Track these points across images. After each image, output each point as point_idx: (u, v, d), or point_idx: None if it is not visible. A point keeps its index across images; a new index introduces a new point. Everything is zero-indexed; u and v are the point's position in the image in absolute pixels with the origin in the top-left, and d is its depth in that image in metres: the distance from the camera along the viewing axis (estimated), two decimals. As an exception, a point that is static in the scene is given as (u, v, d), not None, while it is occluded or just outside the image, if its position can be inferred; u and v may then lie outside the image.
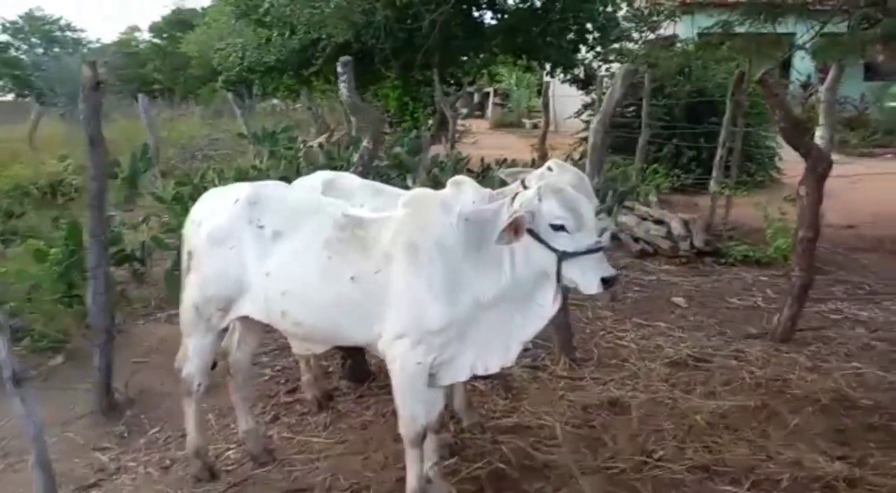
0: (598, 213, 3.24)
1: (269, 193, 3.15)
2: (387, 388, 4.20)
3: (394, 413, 3.09)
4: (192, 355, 3.31)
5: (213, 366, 3.46)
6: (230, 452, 3.70)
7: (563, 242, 2.73)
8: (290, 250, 2.96)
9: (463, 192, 3.06)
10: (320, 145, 13.48)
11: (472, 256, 2.85)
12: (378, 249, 2.87)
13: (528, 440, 3.69)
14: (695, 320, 5.60)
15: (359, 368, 4.49)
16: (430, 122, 14.73)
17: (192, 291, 3.18)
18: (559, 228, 2.72)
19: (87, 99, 3.74)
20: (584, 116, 13.32)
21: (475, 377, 4.28)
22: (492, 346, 2.96)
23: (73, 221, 5.58)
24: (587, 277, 2.73)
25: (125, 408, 4.20)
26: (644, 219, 8.40)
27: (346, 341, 3.19)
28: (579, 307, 5.87)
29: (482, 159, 10.93)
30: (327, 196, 3.49)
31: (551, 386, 4.40)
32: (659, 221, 8.18)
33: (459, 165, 10.25)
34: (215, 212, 3.12)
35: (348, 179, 3.89)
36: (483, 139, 21.30)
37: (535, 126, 30.12)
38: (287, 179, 4.47)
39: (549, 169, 3.25)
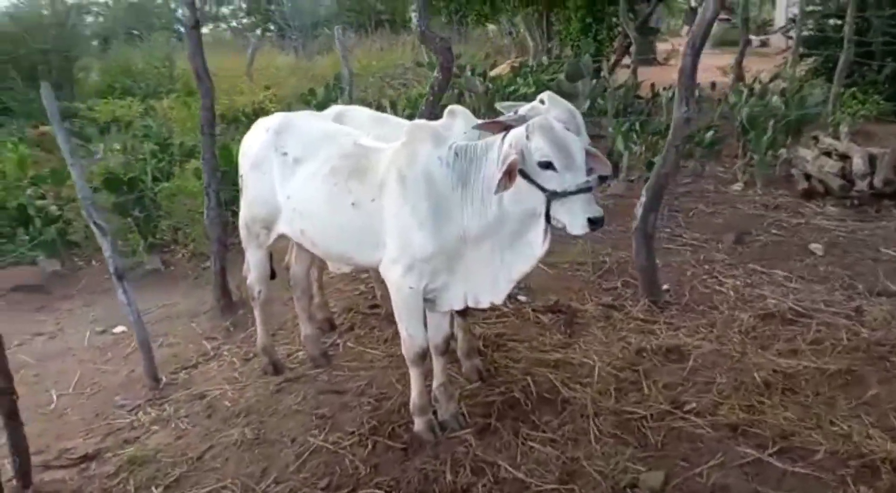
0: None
1: (293, 123, 3.44)
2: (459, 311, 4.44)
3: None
4: (251, 267, 3.80)
5: (272, 276, 3.93)
6: (300, 353, 4.19)
7: (551, 180, 2.67)
8: (305, 175, 3.24)
9: (455, 122, 3.08)
10: (512, 69, 13.50)
11: (459, 189, 2.90)
12: (374, 177, 3.03)
13: (563, 376, 3.69)
14: (824, 271, 4.94)
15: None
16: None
17: (243, 211, 3.63)
18: (547, 166, 2.66)
19: (189, 36, 4.27)
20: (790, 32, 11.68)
21: (540, 311, 4.38)
22: (481, 280, 3.01)
23: (226, 144, 6.40)
24: (574, 217, 2.66)
25: (238, 307, 4.90)
26: (827, 153, 7.36)
27: (358, 264, 3.43)
28: (693, 249, 5.49)
29: (652, 85, 10.24)
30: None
31: (618, 327, 4.27)
32: (844, 156, 7.12)
33: (621, 92, 9.74)
34: (253, 141, 3.50)
35: (357, 112, 4.05)
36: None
37: (763, 44, 26.82)
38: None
39: (542, 102, 3.13)
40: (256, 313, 3.95)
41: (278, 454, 3.20)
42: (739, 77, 12.09)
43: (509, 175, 2.66)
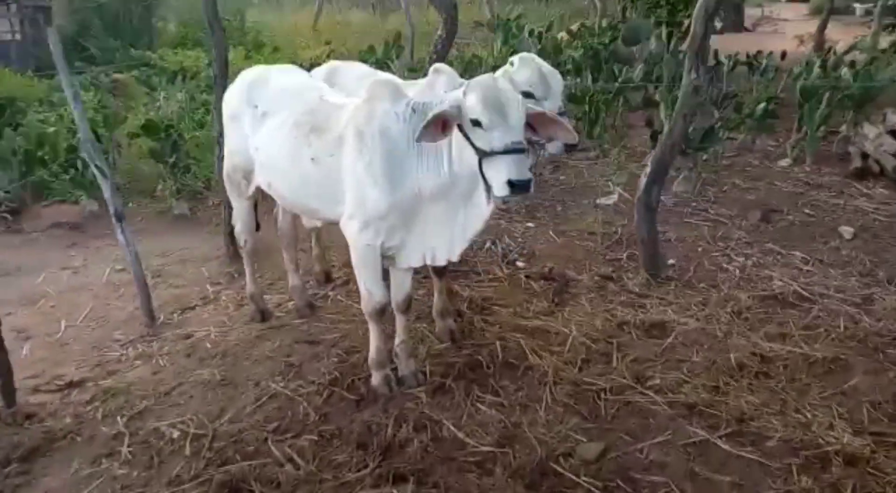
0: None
1: (266, 77, 3.48)
2: (456, 274, 4.47)
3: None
4: (236, 218, 3.92)
5: (257, 228, 4.03)
6: (291, 303, 4.31)
7: (480, 138, 2.63)
8: (270, 128, 3.29)
9: (438, 81, 3.04)
10: (569, 32, 13.12)
11: (414, 146, 2.87)
12: (334, 133, 3.04)
13: (534, 344, 3.66)
14: (846, 255, 4.64)
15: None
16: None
17: (225, 161, 3.73)
18: (476, 123, 2.61)
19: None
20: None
21: (534, 277, 4.32)
22: (438, 238, 3.01)
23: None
24: (497, 178, 2.58)
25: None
26: (892, 132, 6.82)
27: (323, 218, 3.47)
28: (713, 225, 5.26)
29: (715, 53, 9.68)
30: (330, 83, 3.72)
31: (609, 299, 4.18)
32: (915, 136, 6.59)
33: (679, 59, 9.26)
34: (232, 93, 3.57)
35: (349, 68, 4.02)
36: (791, 27, 18.23)
37: (867, 12, 24.82)
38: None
39: (511, 64, 3.05)
40: (245, 262, 4.09)
41: (239, 395, 3.33)
42: (819, 46, 11.29)
43: (442, 128, 2.63)
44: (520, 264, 4.71)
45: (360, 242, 3.06)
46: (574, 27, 13.02)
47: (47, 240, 5.79)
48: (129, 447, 2.98)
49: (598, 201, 5.90)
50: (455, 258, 3.07)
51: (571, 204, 5.92)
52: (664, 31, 9.33)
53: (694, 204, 5.71)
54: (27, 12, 16.76)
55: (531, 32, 11.05)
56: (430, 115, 2.62)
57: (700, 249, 4.83)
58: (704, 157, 6.71)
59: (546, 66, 3.20)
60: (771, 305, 3.98)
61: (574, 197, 6.07)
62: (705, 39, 3.84)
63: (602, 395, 3.20)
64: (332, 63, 4.26)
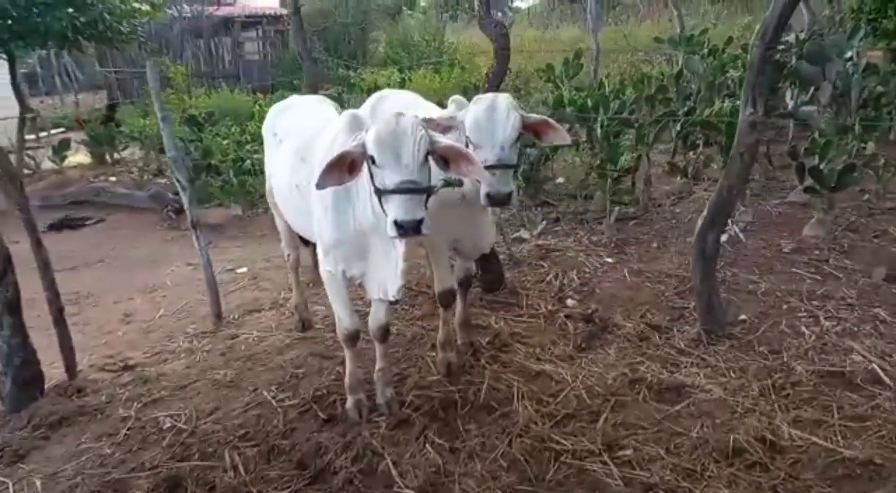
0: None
1: (289, 106, 3.71)
2: (500, 305, 4.39)
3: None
4: (280, 232, 4.23)
5: (305, 243, 4.28)
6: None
7: (377, 176, 2.61)
8: (279, 155, 3.51)
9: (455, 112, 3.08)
10: (744, 48, 11.89)
11: (354, 182, 2.89)
12: (311, 162, 3.16)
13: (527, 389, 3.45)
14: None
15: (489, 277, 4.67)
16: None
17: (266, 182, 4.05)
18: (373, 160, 2.59)
19: (292, 21, 4.75)
20: None
21: (575, 318, 4.11)
22: (384, 271, 2.99)
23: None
24: (389, 217, 2.56)
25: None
26: None
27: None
28: (821, 279, 4.48)
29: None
30: (374, 112, 3.82)
31: (642, 351, 3.78)
32: None
33: (871, 81, 7.95)
34: (265, 121, 3.86)
35: (395, 97, 4.03)
36: None
37: None
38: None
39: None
40: (290, 274, 4.40)
41: (235, 398, 3.61)
42: None
43: (350, 169, 2.63)
44: (570, 301, 4.45)
45: (323, 270, 3.17)
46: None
47: (186, 239, 6.68)
48: (127, 430, 3.39)
49: (704, 240, 5.31)
50: (392, 295, 3.01)
51: (673, 241, 5.41)
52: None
53: (817, 252, 4.90)
54: (269, 35, 19.31)
55: (712, 49, 10.18)
56: (332, 156, 2.64)
57: (786, 306, 4.14)
58: (865, 196, 5.74)
59: (485, 112, 3.01)
60: (829, 384, 3.31)
61: (680, 233, 5.53)
62: (761, 69, 3.30)
63: (560, 457, 2.93)
64: (382, 92, 4.40)
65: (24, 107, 7.99)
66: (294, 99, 3.98)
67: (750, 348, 3.72)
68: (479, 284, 4.72)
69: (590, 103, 6.67)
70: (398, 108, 3.85)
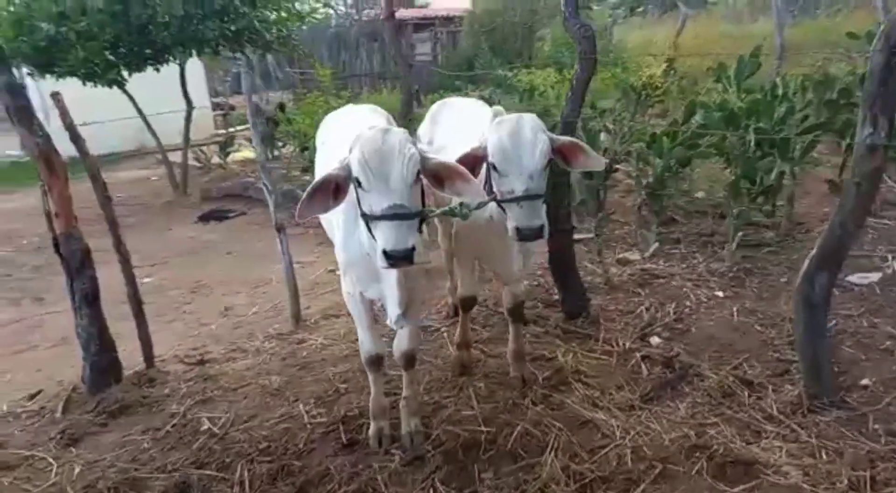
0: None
1: (336, 115, 3.57)
2: (575, 335, 4.03)
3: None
4: None
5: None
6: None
7: (363, 201, 2.38)
8: (318, 164, 3.41)
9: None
10: None
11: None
12: None
13: (563, 441, 3.03)
14: None
15: (569, 303, 4.26)
16: None
17: None
18: (357, 183, 2.35)
19: (386, 25, 4.64)
20: None
21: (653, 360, 3.68)
22: (390, 297, 2.76)
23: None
24: (378, 246, 2.33)
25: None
26: None
27: None
28: None
29: None
30: (434, 120, 3.66)
31: (720, 411, 3.20)
32: None
33: None
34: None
35: (455, 105, 3.79)
36: None
37: None
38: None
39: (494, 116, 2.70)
40: None
41: (274, 407, 3.59)
42: None
43: (335, 194, 2.42)
44: (655, 340, 3.90)
45: (343, 289, 3.04)
46: None
47: (310, 236, 6.91)
48: (171, 427, 3.49)
49: (848, 278, 4.44)
50: (390, 324, 2.77)
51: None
52: None
53: None
54: (441, 37, 19.71)
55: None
56: (317, 181, 2.44)
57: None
58: None
59: (510, 137, 2.66)
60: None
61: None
62: (885, 82, 2.58)
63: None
64: (447, 99, 4.19)
65: (190, 106, 8.78)
66: (348, 107, 3.87)
67: (861, 424, 2.99)
68: (559, 310, 4.33)
69: (739, 107, 5.89)
70: (459, 117, 3.63)
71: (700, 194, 6.60)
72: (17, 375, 4.49)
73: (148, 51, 7.73)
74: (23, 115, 3.47)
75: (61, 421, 3.65)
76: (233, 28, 7.40)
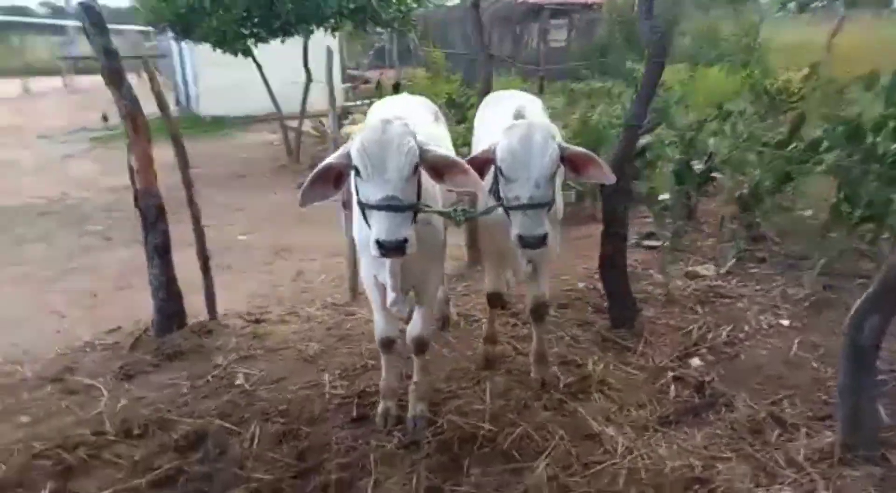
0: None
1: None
2: (613, 346, 3.93)
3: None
4: None
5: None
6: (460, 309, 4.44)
7: (361, 190, 2.44)
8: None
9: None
10: None
11: None
12: None
13: (564, 448, 2.98)
14: None
15: (617, 310, 4.13)
16: None
17: None
18: (357, 171, 2.40)
19: (470, 14, 4.63)
20: None
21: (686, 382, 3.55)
22: (387, 282, 2.82)
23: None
24: (372, 235, 2.39)
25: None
26: None
27: None
28: None
29: None
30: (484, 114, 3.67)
31: (739, 447, 2.99)
32: None
33: None
34: None
35: (512, 99, 3.70)
36: None
37: None
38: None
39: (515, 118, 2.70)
40: None
41: (304, 372, 3.77)
42: None
43: (335, 181, 2.49)
44: (695, 362, 3.70)
45: (361, 272, 3.12)
46: None
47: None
48: (211, 377, 3.78)
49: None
50: (390, 307, 2.85)
51: None
52: None
53: None
54: (578, 24, 19.28)
55: None
56: (315, 170, 2.51)
57: None
58: None
59: (520, 143, 2.61)
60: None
61: None
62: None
63: None
64: (499, 92, 4.17)
65: (309, 78, 9.22)
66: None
67: (892, 486, 2.69)
68: (606, 316, 4.21)
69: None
70: (500, 112, 3.60)
71: (808, 212, 6.08)
72: (111, 309, 5.00)
73: (275, 24, 8.17)
74: (115, 77, 3.83)
75: (126, 357, 4.05)
76: (351, 6, 7.67)
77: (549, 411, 3.30)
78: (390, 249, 2.35)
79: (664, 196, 6.44)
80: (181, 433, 3.23)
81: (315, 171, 2.55)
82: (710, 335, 3.96)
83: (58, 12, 31.95)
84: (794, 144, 6.03)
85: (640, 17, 3.62)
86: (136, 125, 3.93)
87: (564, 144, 2.73)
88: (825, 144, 6.03)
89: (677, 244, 5.33)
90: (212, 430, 3.24)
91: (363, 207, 2.45)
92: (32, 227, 7.22)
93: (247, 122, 14.29)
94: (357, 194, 2.50)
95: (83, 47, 30.33)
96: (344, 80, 17.45)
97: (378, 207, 2.35)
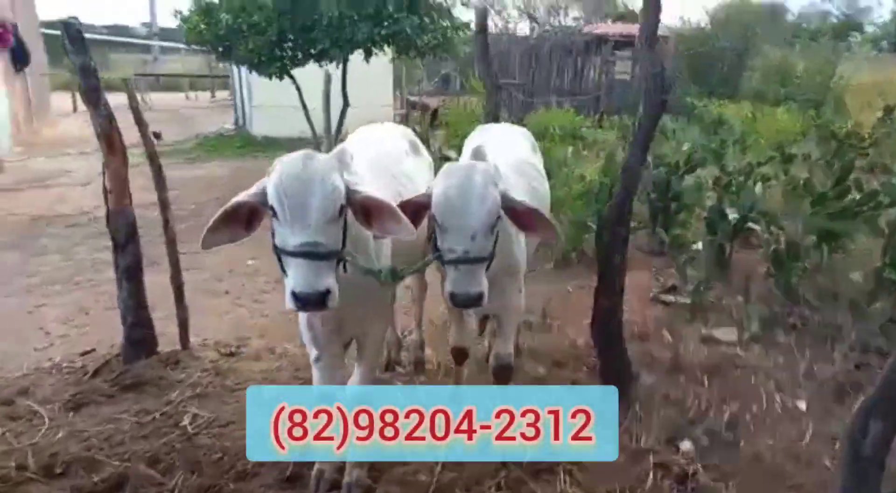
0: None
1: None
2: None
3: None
4: None
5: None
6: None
7: (277, 233, 2.12)
8: None
9: None
10: None
11: None
12: None
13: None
14: None
15: (608, 374, 3.69)
16: None
17: None
18: (273, 212, 2.11)
19: (476, 41, 4.37)
20: None
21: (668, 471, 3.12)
22: None
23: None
24: (287, 285, 2.09)
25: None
26: None
27: None
28: None
29: None
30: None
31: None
32: None
33: None
34: None
35: (494, 133, 3.47)
36: None
37: None
38: None
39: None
40: None
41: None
42: None
43: (248, 221, 2.20)
44: (685, 445, 3.22)
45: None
46: None
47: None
48: (159, 414, 3.54)
49: None
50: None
51: None
52: None
53: None
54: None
55: None
56: (223, 208, 2.22)
57: None
58: None
59: (456, 189, 2.27)
60: None
61: None
62: None
63: None
64: (486, 126, 3.96)
65: (346, 103, 9.10)
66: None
67: None
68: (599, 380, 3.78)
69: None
70: (490, 145, 3.28)
71: (857, 276, 5.44)
72: (96, 330, 4.89)
73: (311, 50, 8.12)
74: (93, 95, 3.71)
75: (83, 384, 3.87)
76: (383, 32, 7.53)
77: (502, 491, 2.90)
78: (307, 302, 2.04)
79: (698, 246, 5.95)
80: (102, 475, 3.00)
81: (222, 209, 2.24)
82: (711, 414, 3.47)
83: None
84: (850, 196, 5.46)
85: (642, 47, 3.24)
86: (111, 144, 3.80)
87: (509, 196, 2.38)
88: (882, 197, 5.46)
89: (698, 302, 4.83)
90: (131, 478, 2.99)
91: (279, 253, 2.14)
92: (55, 238, 7.29)
93: (297, 143, 14.43)
94: (273, 238, 2.20)
95: (170, 66, 32.00)
96: (402, 106, 17.47)
97: (294, 254, 2.06)
